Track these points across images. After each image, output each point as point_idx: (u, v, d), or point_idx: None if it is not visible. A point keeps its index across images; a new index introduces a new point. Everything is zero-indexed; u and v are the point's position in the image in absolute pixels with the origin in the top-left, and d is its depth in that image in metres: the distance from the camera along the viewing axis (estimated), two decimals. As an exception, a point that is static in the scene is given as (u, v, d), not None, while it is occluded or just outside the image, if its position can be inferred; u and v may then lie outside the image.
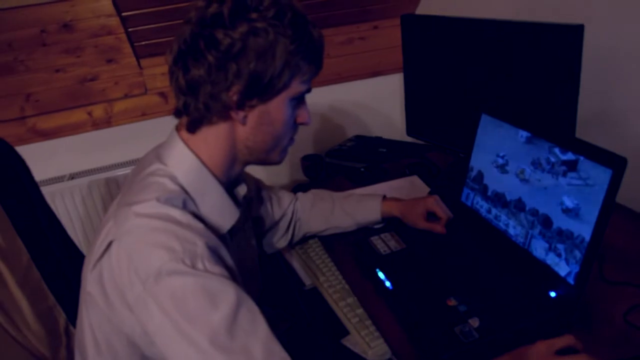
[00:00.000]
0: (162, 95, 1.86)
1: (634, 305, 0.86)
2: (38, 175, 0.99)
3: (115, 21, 1.63)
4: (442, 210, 1.09)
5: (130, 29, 1.67)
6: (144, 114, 1.86)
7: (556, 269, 0.88)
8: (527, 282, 0.91)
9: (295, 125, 0.82)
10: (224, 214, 0.79)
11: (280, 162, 0.85)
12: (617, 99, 1.26)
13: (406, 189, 1.39)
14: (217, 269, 0.68)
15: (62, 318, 0.93)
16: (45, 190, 1.66)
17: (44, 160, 1.79)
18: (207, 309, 0.65)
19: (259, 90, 0.73)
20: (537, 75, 1.12)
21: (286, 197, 1.15)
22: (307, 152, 1.87)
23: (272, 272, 1.20)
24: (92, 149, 1.85)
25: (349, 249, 1.12)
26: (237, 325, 0.66)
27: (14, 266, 0.85)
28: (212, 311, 0.65)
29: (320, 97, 2.00)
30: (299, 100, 0.80)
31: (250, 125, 0.77)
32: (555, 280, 0.87)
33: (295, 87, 0.76)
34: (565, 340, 0.74)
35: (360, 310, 0.95)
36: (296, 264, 1.17)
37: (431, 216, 1.11)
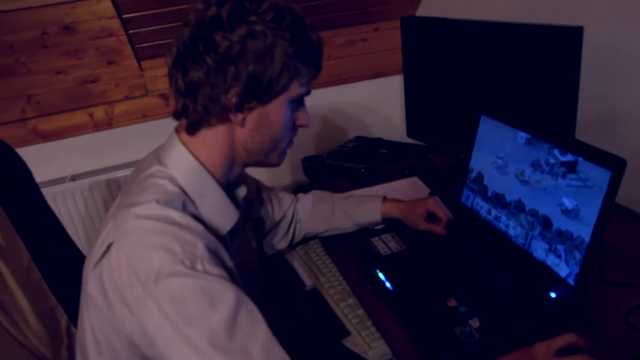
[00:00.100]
0: (163, 97, 1.86)
1: (635, 307, 0.86)
2: (39, 176, 0.99)
3: (116, 23, 1.63)
4: (442, 211, 1.09)
5: (131, 31, 1.68)
6: (145, 116, 1.87)
7: (556, 270, 0.88)
8: (527, 283, 0.91)
9: (294, 127, 0.82)
10: (224, 216, 0.80)
11: (279, 164, 0.86)
12: (617, 100, 1.26)
13: (406, 190, 1.39)
14: (217, 270, 0.68)
15: (63, 319, 0.94)
16: (46, 192, 1.67)
17: (45, 161, 1.79)
18: (207, 310, 0.65)
19: (258, 92, 0.73)
20: (537, 76, 1.12)
21: (286, 198, 1.15)
22: (308, 153, 1.87)
23: (273, 273, 1.20)
24: (93, 151, 1.86)
25: (350, 249, 1.13)
26: (236, 327, 0.66)
27: (14, 267, 0.86)
28: (212, 312, 0.65)
29: (321, 99, 2.01)
30: (298, 103, 0.80)
31: (249, 128, 0.77)
32: (555, 281, 0.87)
33: (294, 89, 0.76)
34: (566, 338, 0.74)
35: (360, 311, 0.95)
36: (297, 265, 1.17)
37: (431, 217, 1.11)
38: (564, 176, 0.87)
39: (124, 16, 1.62)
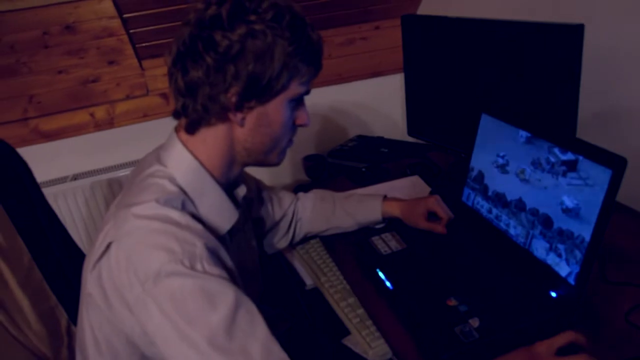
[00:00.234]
0: (164, 96, 1.86)
1: (636, 305, 0.86)
2: (41, 176, 0.99)
3: (116, 23, 1.63)
4: (442, 211, 1.09)
5: (131, 31, 1.68)
6: (146, 115, 1.87)
7: (557, 269, 0.88)
8: (527, 282, 0.91)
9: (294, 126, 0.82)
10: (223, 215, 0.80)
11: (279, 163, 0.86)
12: (618, 98, 1.25)
13: (407, 189, 1.39)
14: (216, 270, 0.68)
15: (63, 318, 0.94)
16: (48, 191, 1.67)
17: (46, 161, 1.80)
18: (206, 310, 0.65)
19: (257, 92, 0.73)
20: (538, 75, 1.12)
21: (287, 197, 1.15)
22: (309, 153, 1.87)
23: (274, 272, 1.20)
24: (95, 150, 1.86)
25: (350, 249, 1.12)
26: (235, 326, 0.66)
27: (15, 266, 0.86)
28: (211, 312, 0.65)
29: (321, 98, 2.01)
30: (297, 102, 0.80)
31: (249, 127, 0.77)
32: (556, 280, 0.87)
33: (294, 88, 0.76)
34: (566, 337, 0.74)
35: (361, 310, 0.95)
36: (297, 264, 1.17)
37: (432, 216, 1.11)
38: (564, 175, 0.87)
39: (125, 16, 1.62)
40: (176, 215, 0.70)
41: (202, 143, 0.78)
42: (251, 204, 1.06)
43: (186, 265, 0.66)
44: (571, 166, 0.85)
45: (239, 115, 0.75)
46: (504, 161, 1.02)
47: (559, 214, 0.88)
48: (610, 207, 0.78)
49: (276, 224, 1.13)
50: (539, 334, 0.75)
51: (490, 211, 1.06)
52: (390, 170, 1.53)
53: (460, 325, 0.82)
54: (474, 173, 1.11)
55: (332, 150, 1.86)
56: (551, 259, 0.89)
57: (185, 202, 0.74)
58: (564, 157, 0.87)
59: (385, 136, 2.02)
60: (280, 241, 1.15)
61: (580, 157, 0.84)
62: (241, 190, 0.88)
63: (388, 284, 0.96)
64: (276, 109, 0.76)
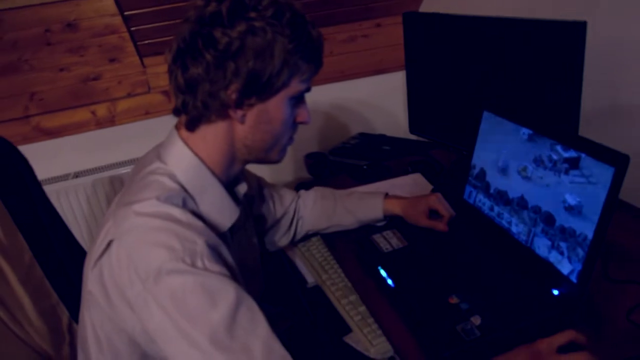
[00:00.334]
0: (166, 93, 1.86)
1: (638, 304, 0.85)
2: (42, 174, 0.99)
3: (118, 20, 1.63)
4: (444, 208, 1.09)
5: (133, 28, 1.68)
6: (148, 113, 1.87)
7: (559, 267, 0.87)
8: (529, 280, 0.90)
9: (294, 124, 0.82)
10: (224, 212, 0.79)
11: (280, 161, 0.85)
12: (620, 96, 1.25)
13: (409, 187, 1.39)
14: (217, 267, 0.68)
15: (65, 316, 0.94)
16: (49, 189, 1.68)
17: (48, 158, 1.80)
18: (207, 307, 0.65)
19: (258, 89, 0.73)
20: (540, 72, 1.11)
21: (288, 195, 1.15)
22: (310, 150, 1.87)
23: (275, 270, 1.20)
24: (96, 148, 1.86)
25: (351, 246, 1.12)
26: (236, 324, 0.66)
27: (16, 264, 0.86)
28: (212, 310, 0.65)
29: (323, 95, 2.01)
30: (298, 100, 0.80)
31: (249, 124, 0.77)
32: (558, 278, 0.86)
33: (295, 86, 0.76)
34: (567, 336, 0.73)
35: (362, 308, 0.95)
36: (299, 262, 1.17)
37: (433, 214, 1.11)
38: (566, 172, 0.86)
39: (126, 13, 1.62)
40: (177, 212, 0.70)
41: (203, 140, 0.78)
42: (252, 202, 1.05)
43: (187, 262, 0.66)
44: (573, 164, 0.85)
45: (239, 112, 0.75)
46: (506, 159, 1.01)
47: (561, 211, 0.87)
48: (613, 204, 0.78)
49: (277, 221, 1.12)
50: (541, 332, 0.75)
51: (492, 209, 1.06)
52: (392, 168, 1.52)
53: (461, 323, 0.82)
54: (476, 171, 1.11)
55: (333, 148, 1.86)
56: (553, 257, 0.89)
57: (186, 200, 0.73)
58: (566, 155, 0.87)
59: (387, 134, 2.01)
60: (281, 239, 1.15)
61: (583, 155, 0.83)
62: (242, 188, 0.88)
63: (389, 281, 0.96)
64: (277, 106, 0.76)
